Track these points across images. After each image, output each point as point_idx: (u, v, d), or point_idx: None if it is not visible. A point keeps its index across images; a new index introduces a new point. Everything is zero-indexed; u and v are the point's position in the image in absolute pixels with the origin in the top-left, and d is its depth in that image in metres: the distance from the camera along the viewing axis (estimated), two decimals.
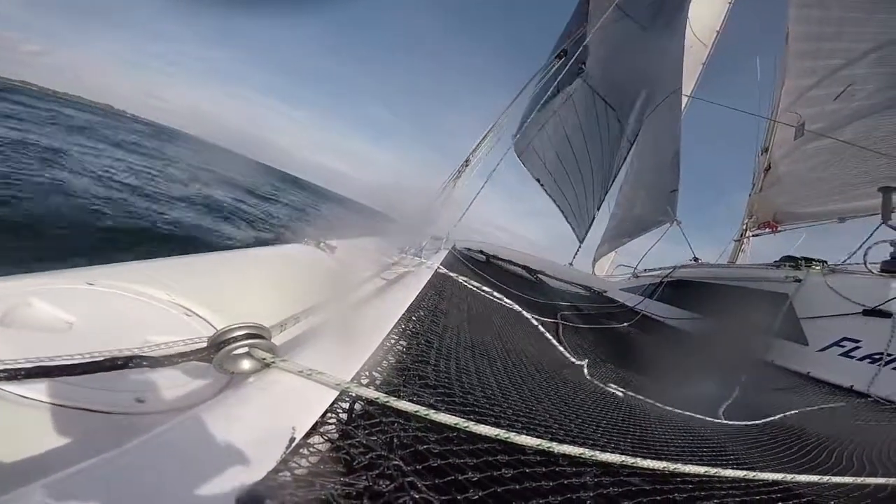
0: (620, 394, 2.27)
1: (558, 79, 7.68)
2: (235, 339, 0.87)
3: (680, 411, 2.23)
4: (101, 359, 0.88)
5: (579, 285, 9.15)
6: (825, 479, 1.35)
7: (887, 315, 4.07)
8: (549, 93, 7.71)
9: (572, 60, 7.85)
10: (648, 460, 1.01)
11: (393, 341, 1.29)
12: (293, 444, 0.65)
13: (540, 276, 8.51)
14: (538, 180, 12.25)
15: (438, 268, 3.18)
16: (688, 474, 1.08)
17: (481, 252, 8.51)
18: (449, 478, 0.74)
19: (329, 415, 0.77)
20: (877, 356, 4.00)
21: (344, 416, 0.78)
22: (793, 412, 2.50)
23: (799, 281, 5.12)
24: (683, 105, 9.14)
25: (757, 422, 2.31)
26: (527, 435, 0.89)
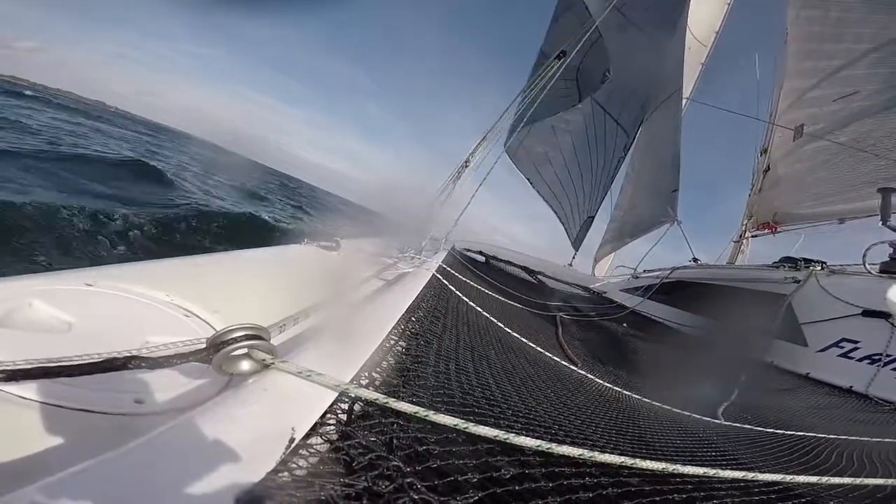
0: (619, 394, 2.28)
1: (554, 79, 7.67)
2: (234, 341, 0.87)
3: (679, 412, 2.23)
4: (101, 360, 0.88)
5: (578, 286, 9.17)
6: (824, 479, 1.36)
7: (886, 316, 4.08)
8: (543, 94, 7.70)
9: (568, 60, 7.85)
10: (648, 461, 1.01)
11: (392, 342, 1.29)
12: (293, 445, 0.65)
13: (539, 276, 8.52)
14: (529, 180, 12.26)
15: (438, 268, 3.18)
16: (687, 475, 1.08)
17: (481, 253, 8.53)
18: (448, 479, 0.74)
19: (328, 416, 0.77)
20: (876, 357, 4.00)
21: (343, 416, 0.78)
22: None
23: (798, 282, 5.13)
24: (683, 106, 9.15)
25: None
26: (526, 436, 0.89)
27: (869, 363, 4.04)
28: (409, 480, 0.67)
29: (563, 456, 0.92)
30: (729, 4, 11.84)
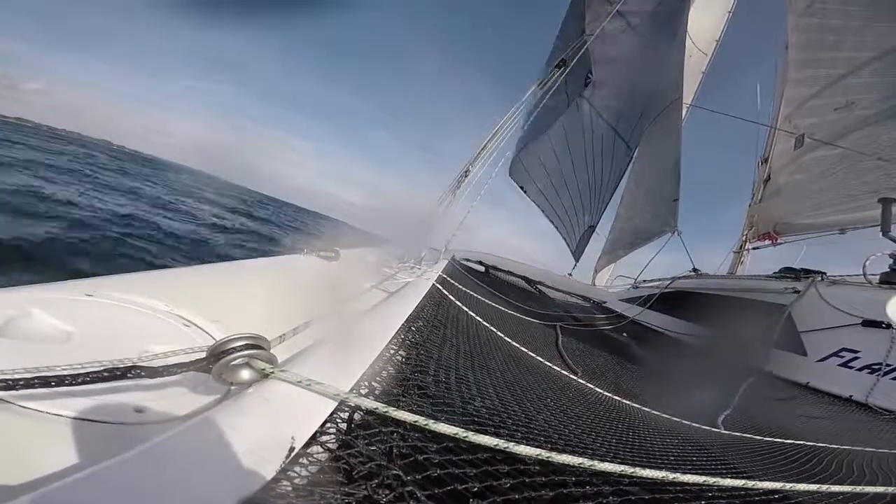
0: (619, 403, 2.27)
1: (554, 88, 7.70)
2: (235, 350, 0.87)
3: (679, 420, 2.23)
4: (101, 369, 0.88)
5: (578, 296, 9.16)
6: (823, 487, 1.35)
7: (886, 326, 4.08)
8: (543, 103, 7.72)
9: (568, 69, 7.89)
10: (648, 469, 1.01)
11: (392, 352, 1.29)
12: (292, 454, 0.65)
13: (539, 286, 8.51)
14: (522, 188, 12.23)
15: (438, 278, 3.19)
16: (687, 483, 1.08)
17: (480, 262, 8.52)
18: (448, 487, 0.74)
19: (328, 425, 0.77)
20: (875, 366, 4.01)
21: (343, 426, 0.78)
22: None
23: (798, 292, 5.13)
24: (683, 114, 9.16)
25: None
26: (526, 445, 0.89)
27: (869, 372, 4.05)
28: (409, 489, 0.67)
29: (563, 465, 0.92)
30: (730, 13, 11.88)
